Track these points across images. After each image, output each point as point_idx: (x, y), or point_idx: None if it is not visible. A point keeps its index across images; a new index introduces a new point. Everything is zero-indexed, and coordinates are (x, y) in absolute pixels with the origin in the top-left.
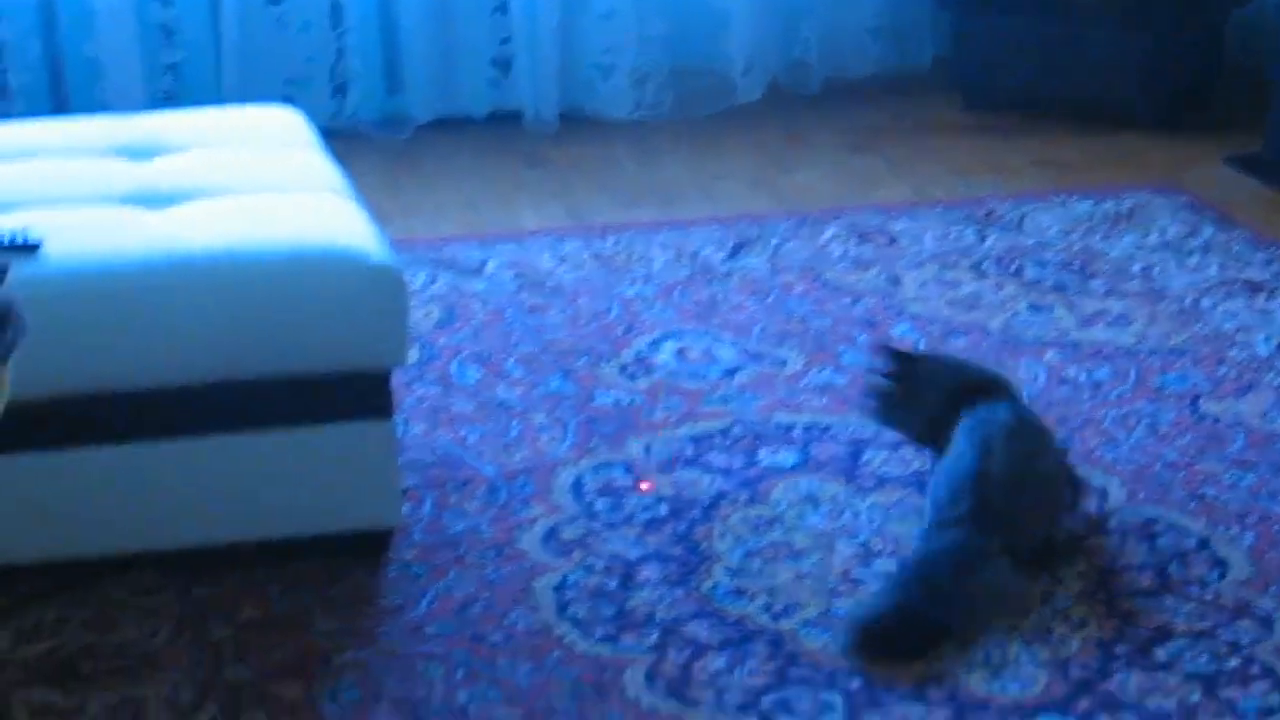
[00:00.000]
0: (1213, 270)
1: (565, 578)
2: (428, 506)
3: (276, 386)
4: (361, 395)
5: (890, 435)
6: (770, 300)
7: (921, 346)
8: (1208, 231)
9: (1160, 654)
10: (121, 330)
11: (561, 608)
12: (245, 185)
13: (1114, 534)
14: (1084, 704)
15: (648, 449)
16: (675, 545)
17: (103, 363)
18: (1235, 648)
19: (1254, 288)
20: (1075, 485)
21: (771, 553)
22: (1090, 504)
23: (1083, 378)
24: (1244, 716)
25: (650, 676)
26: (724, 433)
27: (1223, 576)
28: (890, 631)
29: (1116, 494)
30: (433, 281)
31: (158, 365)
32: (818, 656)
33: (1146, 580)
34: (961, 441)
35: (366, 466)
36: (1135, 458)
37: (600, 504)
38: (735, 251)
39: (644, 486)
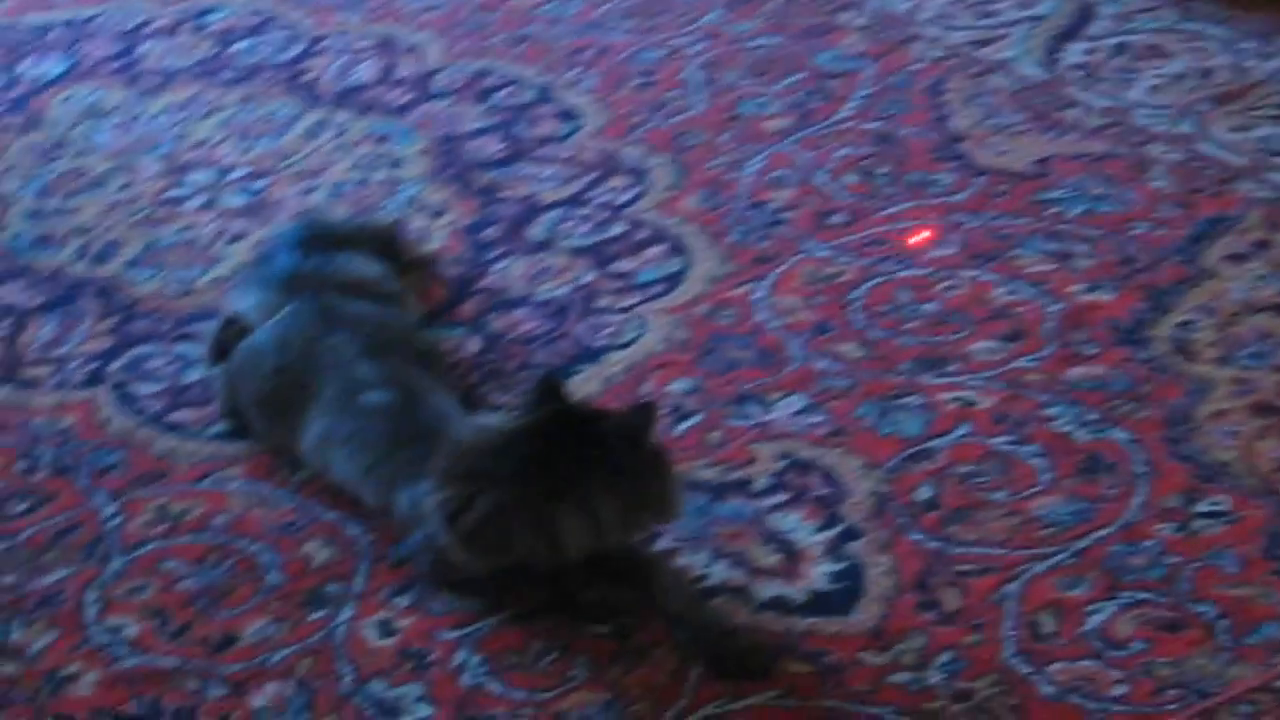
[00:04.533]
0: None
1: None
2: None
3: None
4: None
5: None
6: None
7: None
8: None
9: (533, 234)
10: None
11: None
12: None
13: (446, 97)
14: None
15: None
16: None
17: None
18: (611, 208)
19: None
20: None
21: (69, 184)
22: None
23: None
24: (642, 287)
25: None
26: None
27: (576, 130)
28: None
29: (435, 52)
30: None
31: None
32: (158, 302)
33: (498, 149)
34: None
35: None
36: (444, 2)
37: None
38: None
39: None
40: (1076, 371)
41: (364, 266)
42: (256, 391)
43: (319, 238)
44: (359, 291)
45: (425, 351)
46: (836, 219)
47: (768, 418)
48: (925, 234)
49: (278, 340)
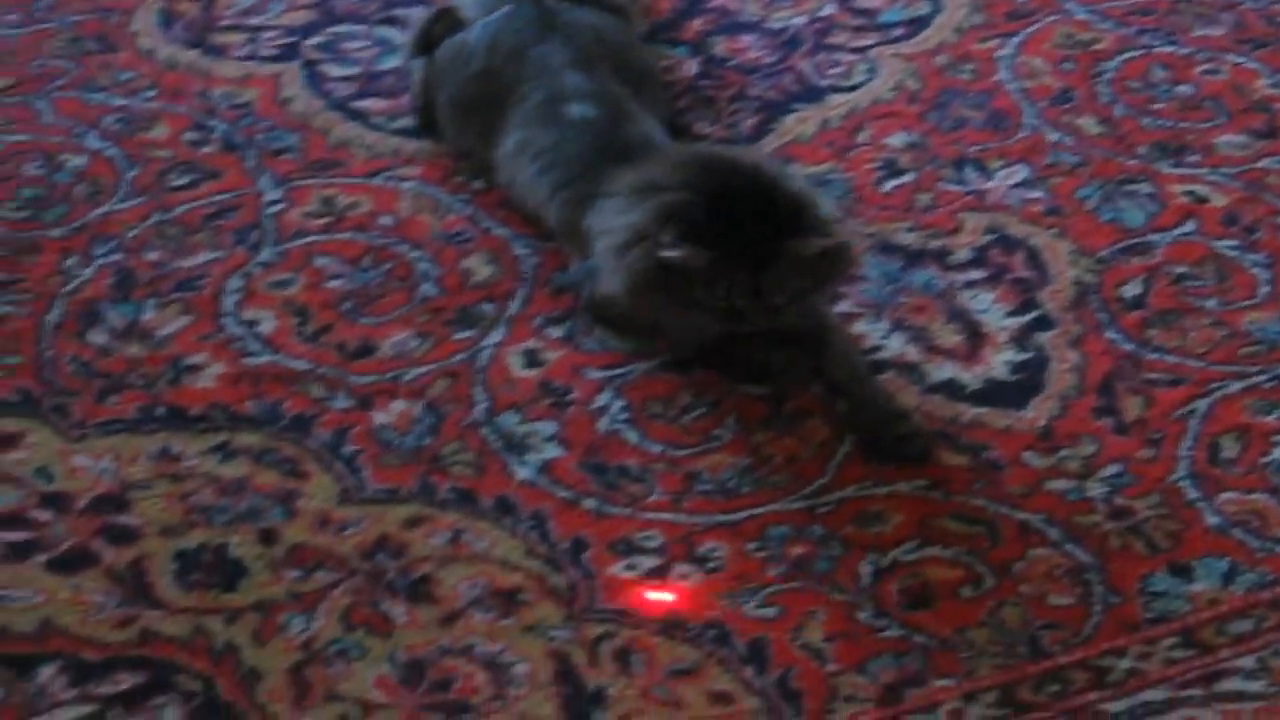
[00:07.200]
0: None
1: None
2: None
3: None
4: None
5: None
6: None
7: None
8: None
9: None
10: None
11: None
12: None
13: None
14: (694, 25)
15: None
16: None
17: None
18: None
19: None
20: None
21: None
22: None
23: None
24: (883, 28)
25: (167, 18)
26: None
27: None
28: None
29: None
30: None
31: None
32: None
33: None
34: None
35: None
36: None
37: None
38: None
39: None
40: None
41: None
42: (457, 92)
43: None
44: None
45: (642, 69)
46: None
47: (985, 185)
48: None
49: (488, 41)
